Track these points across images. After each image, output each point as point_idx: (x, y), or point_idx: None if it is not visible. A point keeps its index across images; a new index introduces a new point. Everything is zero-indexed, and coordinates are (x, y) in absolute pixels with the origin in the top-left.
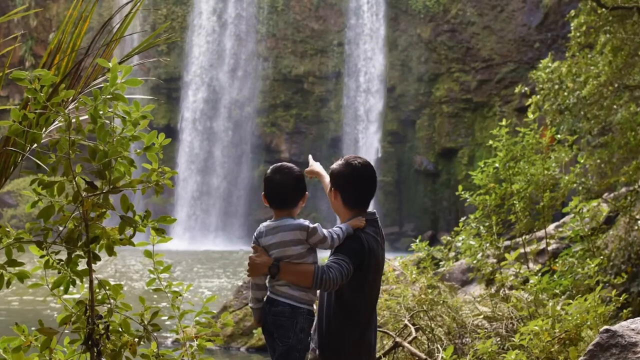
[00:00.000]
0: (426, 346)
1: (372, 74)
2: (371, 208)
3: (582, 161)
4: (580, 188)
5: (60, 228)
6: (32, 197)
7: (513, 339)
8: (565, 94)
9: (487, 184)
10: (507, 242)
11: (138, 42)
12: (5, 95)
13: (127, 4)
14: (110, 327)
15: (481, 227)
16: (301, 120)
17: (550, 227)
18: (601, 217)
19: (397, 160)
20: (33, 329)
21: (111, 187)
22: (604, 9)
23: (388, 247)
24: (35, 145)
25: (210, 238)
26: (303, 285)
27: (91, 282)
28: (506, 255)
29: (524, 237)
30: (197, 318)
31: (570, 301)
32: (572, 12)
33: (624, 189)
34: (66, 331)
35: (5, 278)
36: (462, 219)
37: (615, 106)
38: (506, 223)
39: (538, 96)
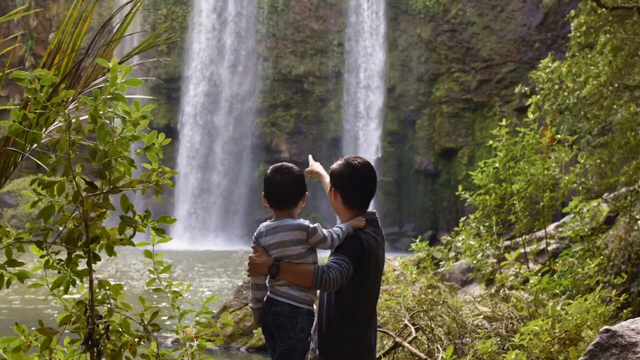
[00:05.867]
0: (426, 346)
1: (372, 71)
2: (371, 208)
3: (582, 161)
4: (580, 188)
5: (60, 228)
6: (32, 197)
7: (513, 339)
8: (565, 94)
9: (487, 184)
10: (507, 242)
11: (138, 42)
12: (5, 95)
13: (127, 4)
14: (110, 327)
15: (481, 227)
16: (301, 120)
17: (550, 227)
18: (601, 217)
19: (397, 160)
20: (33, 328)
21: (111, 187)
22: (604, 9)
23: (388, 247)
24: (35, 145)
25: (210, 238)
26: (303, 285)
27: (91, 282)
28: (506, 255)
29: (524, 237)
30: (197, 318)
31: (570, 301)
32: (572, 12)
33: (624, 189)
34: (66, 331)
35: (5, 278)
36: (462, 219)
37: (615, 106)
38: (506, 223)
39: (538, 96)
